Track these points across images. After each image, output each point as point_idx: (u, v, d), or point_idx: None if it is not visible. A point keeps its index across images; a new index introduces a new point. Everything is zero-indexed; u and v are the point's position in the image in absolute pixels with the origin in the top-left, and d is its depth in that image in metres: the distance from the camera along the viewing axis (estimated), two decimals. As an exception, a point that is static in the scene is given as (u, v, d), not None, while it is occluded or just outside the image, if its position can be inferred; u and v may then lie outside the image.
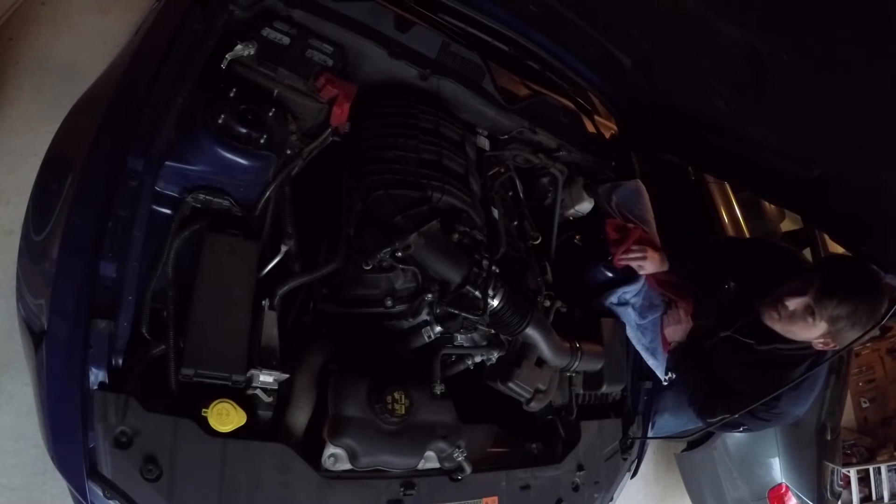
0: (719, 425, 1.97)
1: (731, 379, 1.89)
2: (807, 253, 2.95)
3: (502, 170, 1.90)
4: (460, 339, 1.51)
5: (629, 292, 1.89)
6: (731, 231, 3.02)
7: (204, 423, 1.07)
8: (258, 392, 1.16)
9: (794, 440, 2.88)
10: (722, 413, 1.87)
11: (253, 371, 1.15)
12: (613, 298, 1.88)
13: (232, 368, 1.13)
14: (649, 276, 1.95)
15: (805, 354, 1.67)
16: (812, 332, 1.53)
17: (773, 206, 3.24)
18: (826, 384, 3.01)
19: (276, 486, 1.14)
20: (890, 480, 3.78)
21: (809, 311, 1.48)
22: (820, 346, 1.56)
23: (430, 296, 1.41)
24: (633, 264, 1.89)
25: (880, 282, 1.49)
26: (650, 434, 1.99)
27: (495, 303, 1.40)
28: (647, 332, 1.93)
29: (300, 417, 1.25)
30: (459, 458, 1.35)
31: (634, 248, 1.89)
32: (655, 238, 2.02)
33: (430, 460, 1.35)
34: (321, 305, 1.44)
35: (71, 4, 2.33)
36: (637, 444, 1.88)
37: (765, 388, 1.71)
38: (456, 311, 1.40)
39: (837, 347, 1.53)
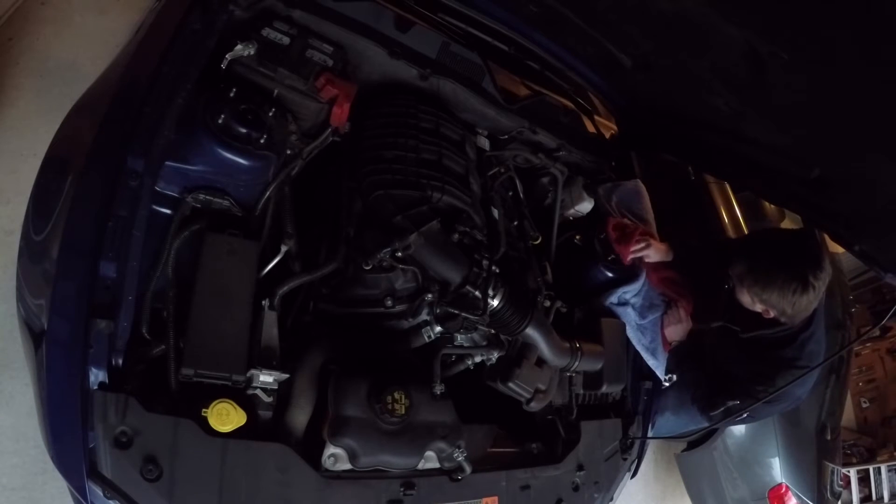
0: (723, 416, 1.99)
1: (729, 365, 1.92)
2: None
3: (502, 170, 1.90)
4: (460, 339, 1.51)
5: (629, 292, 1.89)
6: (731, 231, 3.02)
7: (204, 423, 1.07)
8: (258, 392, 1.16)
9: (794, 440, 2.88)
10: (724, 402, 1.90)
11: (253, 371, 1.15)
12: (613, 298, 1.88)
13: (232, 368, 1.13)
14: (650, 275, 1.95)
15: (791, 335, 1.71)
16: (753, 306, 1.68)
17: (773, 206, 3.24)
18: (826, 384, 3.02)
19: (276, 486, 1.14)
20: (890, 480, 3.79)
21: (740, 290, 1.66)
22: (767, 315, 1.70)
23: (430, 296, 1.41)
24: (640, 254, 1.92)
25: (807, 244, 1.63)
26: (650, 434, 1.99)
27: (495, 303, 1.39)
28: (647, 332, 1.93)
29: (300, 417, 1.25)
30: (459, 458, 1.35)
31: (638, 239, 1.91)
32: (656, 236, 2.02)
33: (430, 460, 1.34)
34: (321, 305, 1.44)
35: (71, 4, 2.34)
36: (637, 444, 1.88)
37: (760, 369, 1.75)
38: (456, 311, 1.40)
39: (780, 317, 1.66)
